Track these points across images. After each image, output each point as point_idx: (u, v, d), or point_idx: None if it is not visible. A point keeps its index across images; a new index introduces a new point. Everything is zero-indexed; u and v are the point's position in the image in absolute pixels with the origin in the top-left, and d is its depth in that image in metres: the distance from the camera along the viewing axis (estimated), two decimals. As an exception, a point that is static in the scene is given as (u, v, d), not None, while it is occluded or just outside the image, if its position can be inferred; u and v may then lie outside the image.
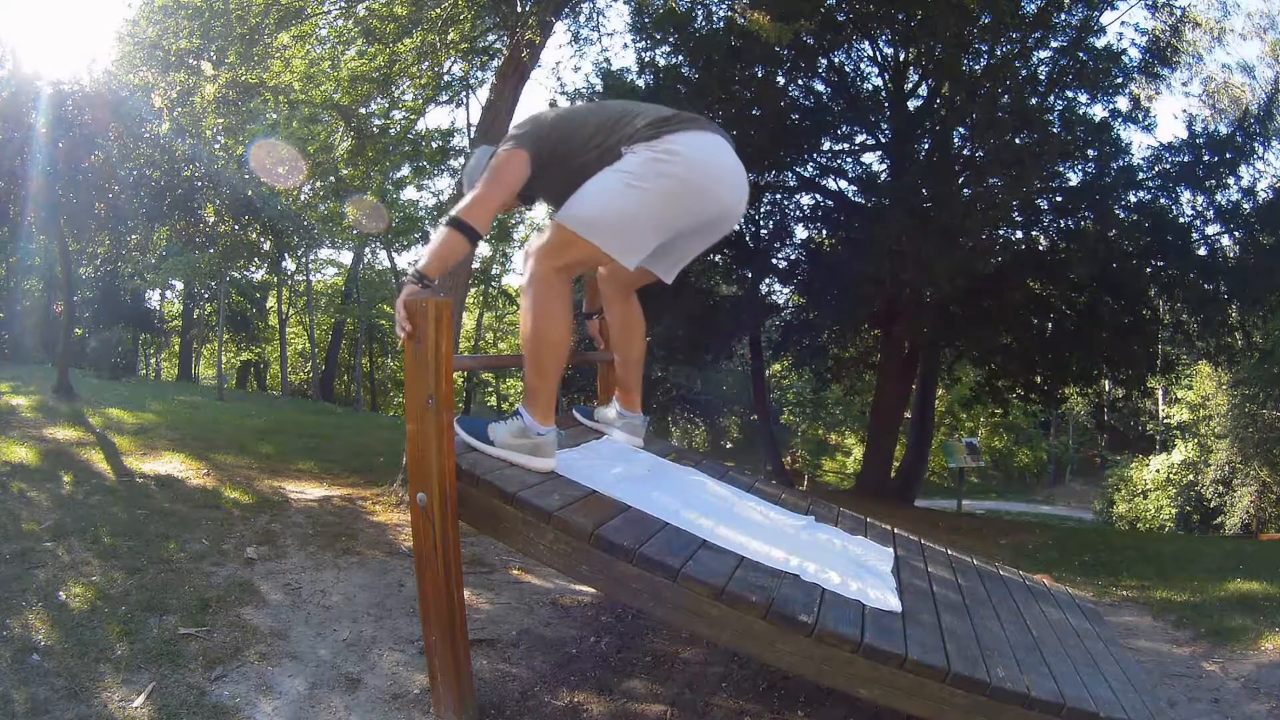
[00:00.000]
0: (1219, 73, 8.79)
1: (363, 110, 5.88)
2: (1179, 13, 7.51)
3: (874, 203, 8.43)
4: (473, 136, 5.69)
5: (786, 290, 10.63)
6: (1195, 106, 8.65)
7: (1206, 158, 7.38)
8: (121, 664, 2.06)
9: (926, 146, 8.31)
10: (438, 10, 4.91)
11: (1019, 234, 8.57)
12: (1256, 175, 7.61)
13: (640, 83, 8.29)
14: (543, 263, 1.86)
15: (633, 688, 2.24)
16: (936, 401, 14.81)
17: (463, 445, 1.90)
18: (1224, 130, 7.64)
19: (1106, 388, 11.95)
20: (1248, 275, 7.24)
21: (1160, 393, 17.10)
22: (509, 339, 25.06)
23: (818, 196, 9.55)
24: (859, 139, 9.13)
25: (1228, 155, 7.30)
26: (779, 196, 9.49)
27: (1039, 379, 9.64)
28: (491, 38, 5.68)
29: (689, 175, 1.81)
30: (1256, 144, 7.37)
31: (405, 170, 14.94)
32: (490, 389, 25.44)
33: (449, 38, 5.15)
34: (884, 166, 9.11)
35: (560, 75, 18.38)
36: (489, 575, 3.21)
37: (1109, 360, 8.72)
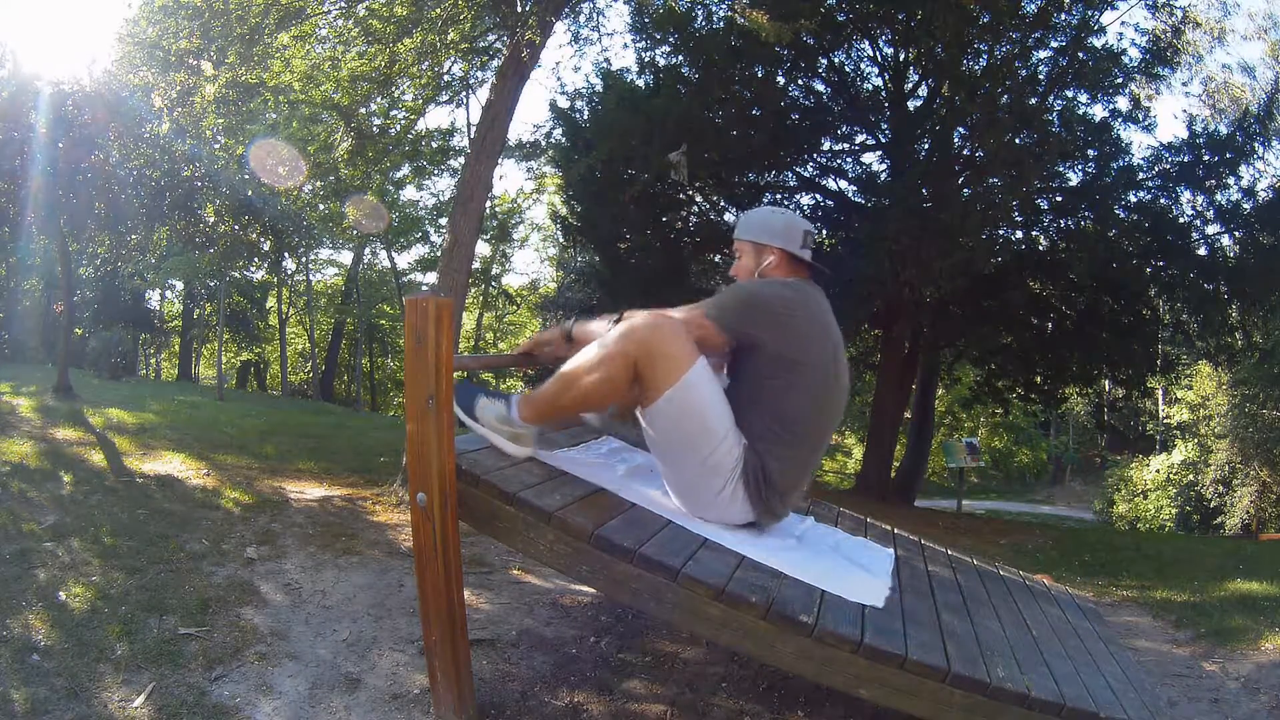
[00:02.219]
0: (1219, 73, 8.81)
1: (363, 110, 5.87)
2: (1179, 13, 7.50)
3: (874, 203, 8.43)
4: (472, 136, 5.69)
5: (786, 290, 10.61)
6: (1195, 106, 8.67)
7: (1206, 158, 7.38)
8: (121, 664, 2.06)
9: (926, 146, 8.31)
10: (438, 10, 4.91)
11: (1019, 234, 8.58)
12: (1256, 175, 7.62)
13: (640, 83, 8.30)
14: (640, 337, 1.76)
15: (633, 688, 2.24)
16: (936, 401, 14.81)
17: (462, 444, 1.91)
18: (1224, 130, 7.63)
19: (1106, 388, 11.96)
20: (1248, 275, 7.24)
21: (1160, 393, 17.10)
22: (509, 339, 25.07)
23: (818, 196, 9.55)
24: (859, 139, 9.13)
25: (1228, 155, 7.29)
26: (779, 196, 9.49)
27: (1039, 379, 9.65)
28: (491, 38, 5.67)
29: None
30: (1256, 144, 7.37)
31: (405, 170, 14.99)
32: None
33: (449, 38, 5.14)
34: (884, 166, 9.11)
35: (560, 75, 18.41)
36: (489, 575, 3.22)
37: (1109, 360, 8.72)
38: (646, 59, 8.22)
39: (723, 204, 9.45)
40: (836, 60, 8.51)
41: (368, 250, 21.06)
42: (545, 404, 1.89)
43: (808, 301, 1.81)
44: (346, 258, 22.10)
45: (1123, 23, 8.00)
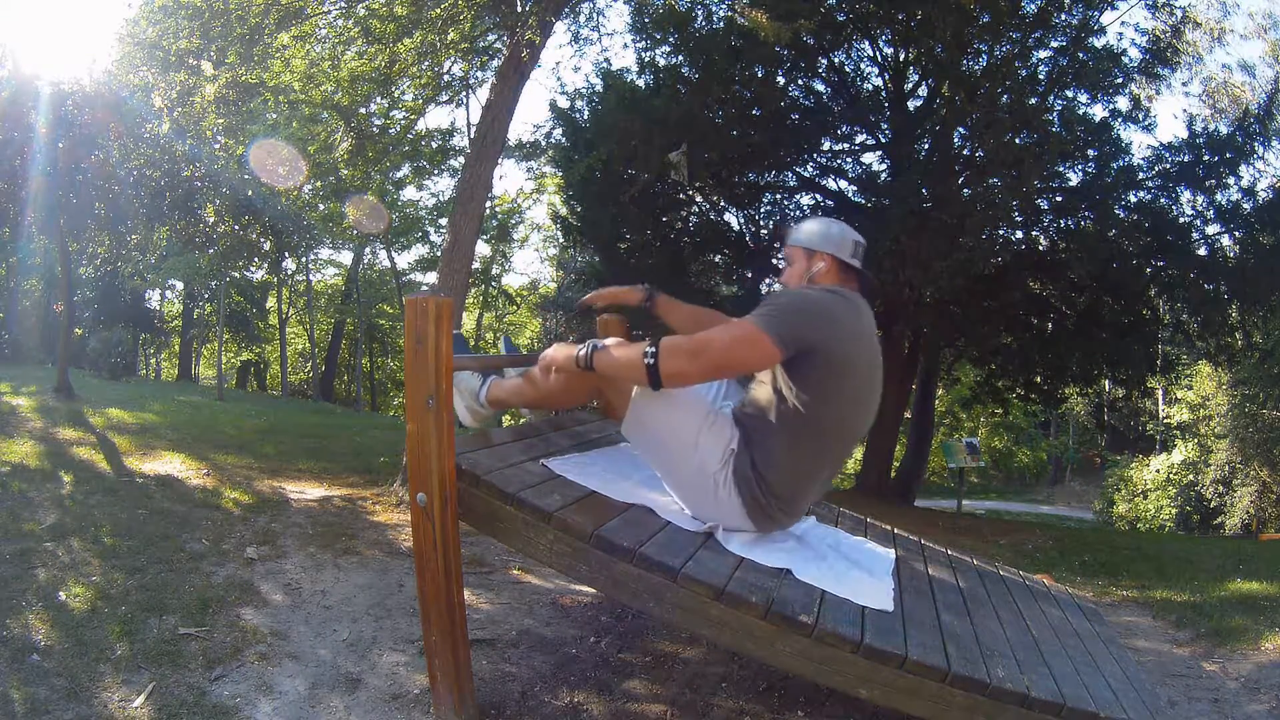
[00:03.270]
0: (1219, 72, 8.80)
1: (363, 110, 5.87)
2: (1179, 13, 7.50)
3: (874, 203, 8.43)
4: (472, 136, 5.68)
5: (786, 290, 10.61)
6: (1195, 106, 8.66)
7: (1206, 158, 7.36)
8: (121, 664, 2.06)
9: (926, 146, 8.30)
10: (438, 10, 4.91)
11: (1019, 234, 8.56)
12: (1256, 175, 7.60)
13: (640, 83, 8.29)
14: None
15: (633, 688, 2.24)
16: (936, 401, 14.81)
17: (462, 444, 1.91)
18: (1224, 130, 7.62)
19: (1106, 388, 11.95)
20: (1248, 275, 7.22)
21: (1160, 393, 17.09)
22: (509, 339, 25.02)
23: (818, 196, 9.54)
24: (859, 139, 9.12)
25: (1228, 155, 7.28)
26: (779, 196, 9.49)
27: (1039, 379, 9.64)
28: (491, 38, 5.68)
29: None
30: (1256, 144, 7.35)
31: (405, 170, 14.94)
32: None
33: (449, 38, 5.14)
34: (884, 166, 9.11)
35: (560, 75, 18.41)
36: (489, 575, 3.22)
37: (1109, 360, 8.71)
38: (646, 59, 8.21)
39: (723, 204, 9.45)
40: (836, 60, 8.51)
41: (368, 250, 21.03)
42: (510, 396, 2.10)
43: (858, 310, 1.78)
44: (346, 258, 22.09)
45: (1123, 23, 8.02)
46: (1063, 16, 7.01)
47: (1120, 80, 7.43)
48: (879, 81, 8.79)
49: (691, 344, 1.65)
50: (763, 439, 1.76)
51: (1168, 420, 16.55)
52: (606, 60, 15.55)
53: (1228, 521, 12.75)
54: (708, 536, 1.80)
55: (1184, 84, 8.20)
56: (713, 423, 1.81)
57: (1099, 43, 7.28)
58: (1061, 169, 7.74)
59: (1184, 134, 7.64)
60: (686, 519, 1.86)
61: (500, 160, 5.56)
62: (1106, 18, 7.32)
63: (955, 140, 7.91)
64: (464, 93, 6.84)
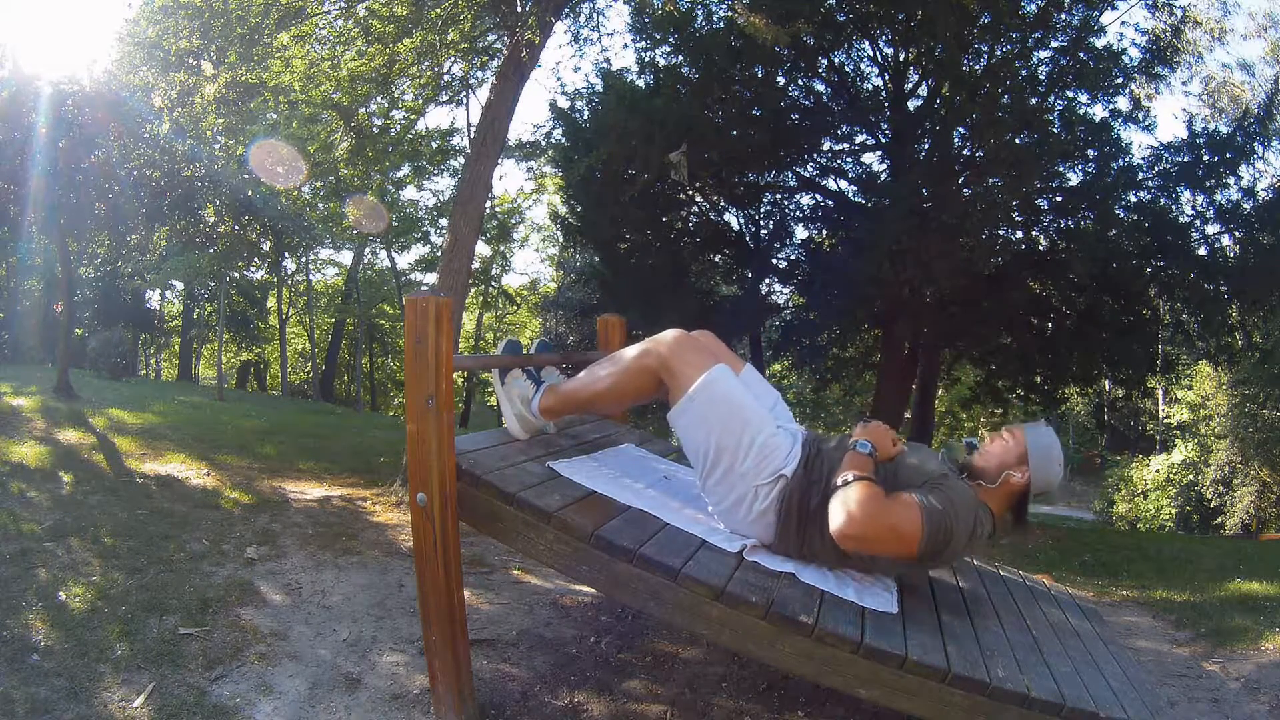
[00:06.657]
0: (1219, 72, 8.83)
1: (363, 110, 5.87)
2: (1179, 12, 7.49)
3: (874, 203, 8.42)
4: (472, 136, 5.68)
5: (786, 290, 10.62)
6: (1195, 106, 8.69)
7: (1206, 157, 7.36)
8: (121, 664, 2.06)
9: (926, 146, 8.30)
10: (438, 10, 4.91)
11: (1019, 234, 8.55)
12: (1256, 175, 7.59)
13: (640, 83, 8.29)
14: (659, 350, 1.87)
15: (633, 688, 2.24)
16: (936, 401, 14.80)
17: (462, 444, 1.91)
18: (1224, 130, 7.61)
19: (1106, 388, 11.95)
20: (1248, 275, 7.22)
21: (1160, 393, 17.08)
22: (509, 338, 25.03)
23: (818, 196, 9.54)
24: (859, 139, 9.10)
25: (1228, 155, 7.27)
26: (779, 196, 9.48)
27: (1039, 379, 9.63)
28: (491, 38, 5.67)
29: None
30: (1256, 144, 7.35)
31: (405, 170, 14.97)
32: (490, 389, 25.42)
33: (449, 38, 5.14)
34: (884, 166, 9.10)
35: (560, 75, 18.40)
36: (489, 575, 3.22)
37: (1109, 360, 8.71)
38: (646, 59, 8.21)
39: (723, 204, 9.45)
40: (836, 60, 8.49)
41: (368, 250, 21.04)
42: (563, 403, 2.06)
43: (987, 539, 1.79)
44: (346, 258, 22.10)
45: (1123, 22, 7.94)
46: (1063, 16, 7.00)
47: (1120, 80, 7.42)
48: (879, 81, 8.78)
49: (869, 503, 1.62)
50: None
51: (1168, 420, 16.55)
52: (606, 60, 15.56)
53: (1228, 521, 12.75)
54: (704, 543, 1.78)
55: (1184, 84, 8.22)
56: (773, 433, 1.80)
57: (1099, 43, 7.28)
58: (1061, 169, 7.73)
59: (1184, 134, 7.63)
60: (693, 523, 1.86)
61: (500, 160, 5.56)
62: (1106, 18, 7.32)
63: (955, 140, 7.90)
64: (464, 93, 6.82)
